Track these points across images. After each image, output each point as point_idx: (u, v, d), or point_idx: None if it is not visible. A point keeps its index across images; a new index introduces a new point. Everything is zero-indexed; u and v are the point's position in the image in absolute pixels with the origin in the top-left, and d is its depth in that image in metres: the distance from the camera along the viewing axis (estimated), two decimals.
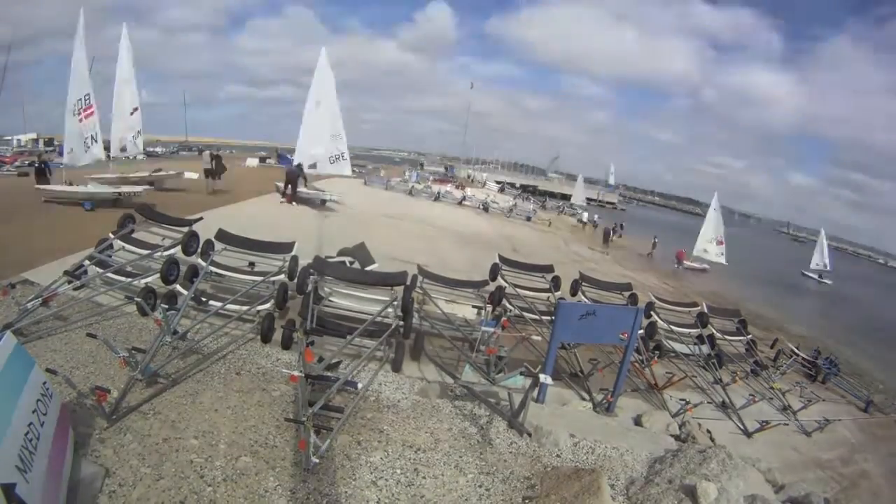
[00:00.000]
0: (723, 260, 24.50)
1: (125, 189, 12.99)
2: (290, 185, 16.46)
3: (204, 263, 6.74)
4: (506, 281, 8.72)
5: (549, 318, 7.86)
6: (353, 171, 20.15)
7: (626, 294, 9.59)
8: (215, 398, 4.34)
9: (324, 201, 17.05)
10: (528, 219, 28.32)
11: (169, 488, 3.18)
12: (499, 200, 31.92)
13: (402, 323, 6.15)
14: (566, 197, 58.87)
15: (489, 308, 7.81)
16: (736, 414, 6.84)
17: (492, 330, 6.62)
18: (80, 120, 12.71)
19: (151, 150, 36.28)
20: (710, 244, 24.57)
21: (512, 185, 53.15)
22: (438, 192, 29.01)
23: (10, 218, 9.79)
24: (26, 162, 20.93)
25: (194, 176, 17.92)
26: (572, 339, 6.92)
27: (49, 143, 29.69)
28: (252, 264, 7.54)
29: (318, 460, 3.55)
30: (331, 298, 6.65)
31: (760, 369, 8.89)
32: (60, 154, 25.92)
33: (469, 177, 49.16)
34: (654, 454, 4.70)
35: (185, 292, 5.98)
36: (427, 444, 4.23)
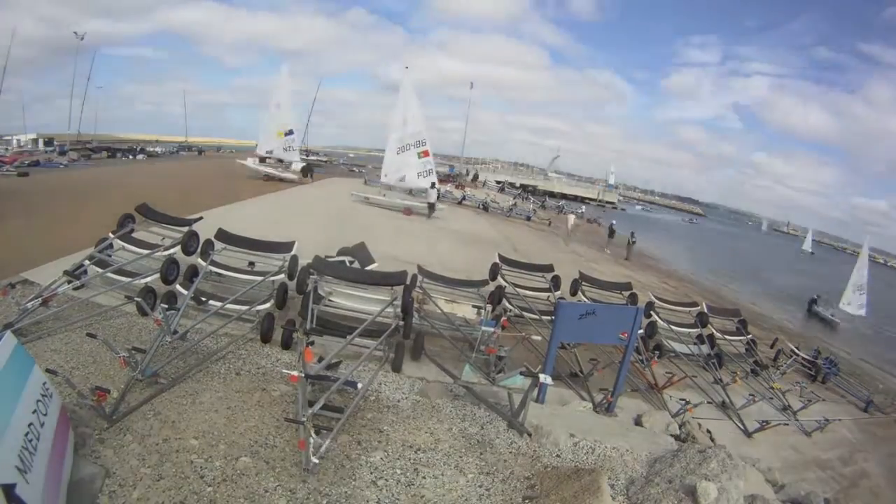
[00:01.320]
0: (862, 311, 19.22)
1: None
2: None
3: (204, 263, 6.74)
4: (506, 280, 8.72)
5: (549, 317, 7.86)
6: (353, 170, 21.11)
7: (626, 294, 9.59)
8: (215, 398, 4.34)
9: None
10: (528, 218, 28.32)
11: (169, 488, 3.18)
12: (498, 200, 31.91)
13: (401, 323, 6.15)
14: (566, 196, 58.95)
15: (489, 308, 7.81)
16: (736, 414, 6.84)
17: (492, 330, 6.62)
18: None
19: (151, 149, 36.32)
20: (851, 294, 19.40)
21: (512, 185, 53.10)
22: (438, 192, 28.96)
23: (10, 218, 9.79)
24: (26, 162, 20.93)
25: None
26: (572, 339, 6.91)
27: (49, 142, 29.67)
28: (252, 264, 7.53)
29: (318, 460, 3.55)
30: (331, 298, 6.65)
31: (760, 369, 8.90)
32: (62, 153, 26.07)
33: (468, 174, 49.19)
34: (654, 454, 4.70)
35: (184, 292, 5.98)
36: (427, 444, 4.23)
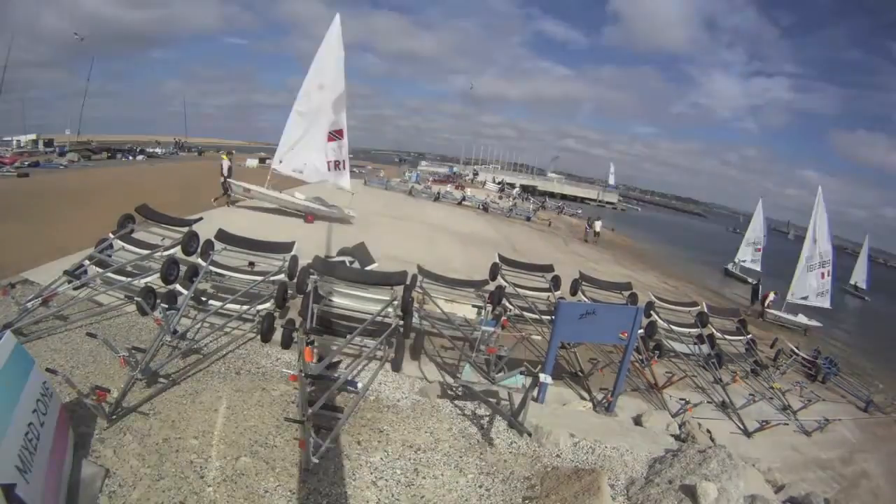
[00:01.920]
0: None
1: None
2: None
3: (204, 263, 6.73)
4: (506, 280, 8.71)
5: (549, 317, 7.85)
6: (353, 170, 17.29)
7: (626, 293, 9.58)
8: (215, 398, 4.33)
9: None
10: (528, 219, 28.35)
11: (169, 488, 3.18)
12: (498, 200, 31.96)
13: (401, 322, 6.14)
14: (566, 197, 58.95)
15: (489, 308, 7.81)
16: (736, 414, 6.83)
17: (492, 329, 6.62)
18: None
19: (151, 150, 36.34)
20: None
21: (512, 186, 53.09)
22: (438, 193, 29.03)
23: (11, 218, 9.79)
24: (26, 162, 20.91)
25: None
26: (572, 339, 6.92)
27: (49, 143, 29.65)
28: (252, 264, 7.53)
29: (318, 460, 3.55)
30: (331, 298, 6.64)
31: (760, 369, 8.89)
32: (61, 154, 26.07)
33: (468, 177, 49.33)
34: (654, 454, 4.70)
35: (185, 292, 5.98)
36: (427, 444, 4.23)
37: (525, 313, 8.06)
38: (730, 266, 25.68)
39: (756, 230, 24.85)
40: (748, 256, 24.70)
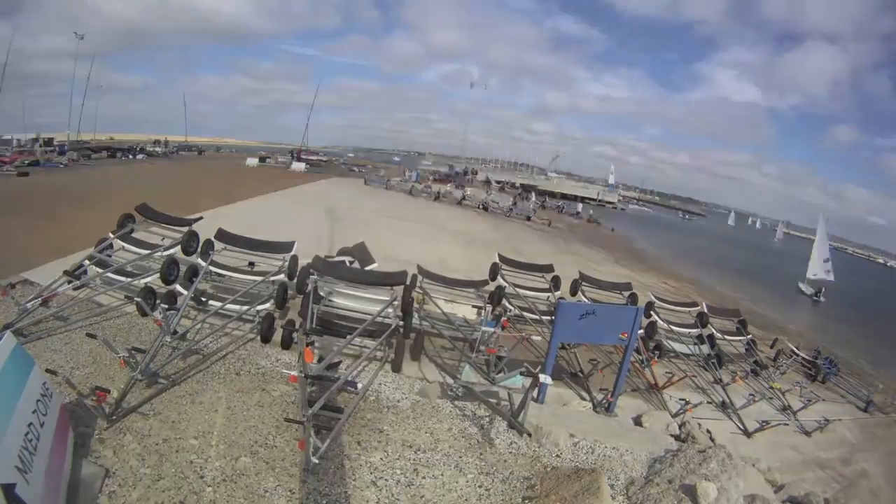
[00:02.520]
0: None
1: None
2: None
3: (204, 263, 6.73)
4: (506, 280, 8.71)
5: (549, 317, 7.85)
6: (353, 170, 18.41)
7: (626, 294, 9.58)
8: (215, 398, 4.34)
9: None
10: (528, 218, 28.35)
11: (169, 488, 3.18)
12: (498, 200, 31.98)
13: (401, 323, 6.14)
14: (566, 196, 58.93)
15: (489, 308, 7.81)
16: (736, 414, 6.84)
17: (492, 330, 6.62)
18: None
19: (152, 149, 36.40)
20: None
21: (512, 185, 53.09)
22: (438, 192, 29.05)
23: (10, 218, 9.79)
24: (25, 161, 20.94)
25: None
26: (572, 339, 6.91)
27: (48, 142, 29.69)
28: (252, 264, 7.53)
29: (317, 460, 3.55)
30: (331, 298, 6.64)
31: (760, 369, 8.89)
32: (61, 153, 26.09)
33: (467, 173, 49.37)
34: (654, 454, 4.70)
35: (184, 292, 5.98)
36: (427, 444, 4.23)
37: (525, 314, 8.06)
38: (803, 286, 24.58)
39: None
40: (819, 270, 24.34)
